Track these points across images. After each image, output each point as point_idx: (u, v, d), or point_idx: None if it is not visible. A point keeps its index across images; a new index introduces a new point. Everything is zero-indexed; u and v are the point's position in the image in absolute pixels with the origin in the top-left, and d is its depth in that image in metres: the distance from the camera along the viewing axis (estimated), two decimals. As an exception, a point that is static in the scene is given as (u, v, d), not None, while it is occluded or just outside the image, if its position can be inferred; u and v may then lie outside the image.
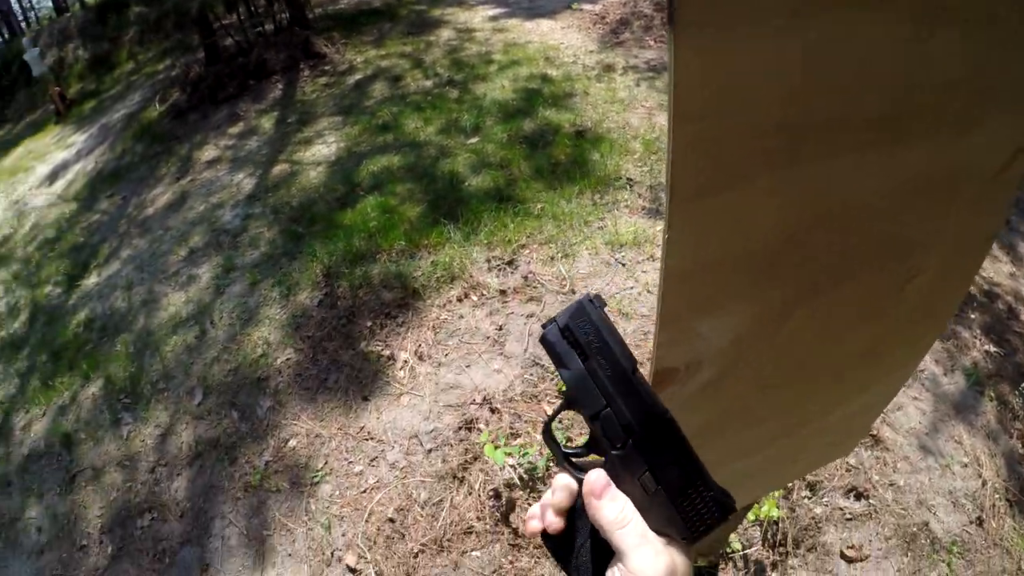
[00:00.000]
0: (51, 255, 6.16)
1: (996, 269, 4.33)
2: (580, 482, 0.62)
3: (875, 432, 3.05)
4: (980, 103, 0.90)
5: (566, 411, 0.65)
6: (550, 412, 3.02)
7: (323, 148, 6.27)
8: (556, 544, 0.65)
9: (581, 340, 0.62)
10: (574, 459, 0.66)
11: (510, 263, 4.02)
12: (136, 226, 5.96)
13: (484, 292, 3.84)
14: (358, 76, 8.06)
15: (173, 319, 4.43)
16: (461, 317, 3.72)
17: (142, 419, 3.78)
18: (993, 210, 1.12)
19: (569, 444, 0.54)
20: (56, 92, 10.97)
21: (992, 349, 3.62)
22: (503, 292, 3.81)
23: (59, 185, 7.83)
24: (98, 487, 3.53)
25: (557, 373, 0.62)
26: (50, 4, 20.79)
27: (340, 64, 8.56)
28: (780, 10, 0.64)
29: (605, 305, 0.63)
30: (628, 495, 0.60)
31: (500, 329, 3.58)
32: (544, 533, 0.65)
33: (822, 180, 0.82)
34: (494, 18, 9.45)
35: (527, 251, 4.10)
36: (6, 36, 18.87)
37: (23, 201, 7.89)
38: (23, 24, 20.26)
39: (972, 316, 3.81)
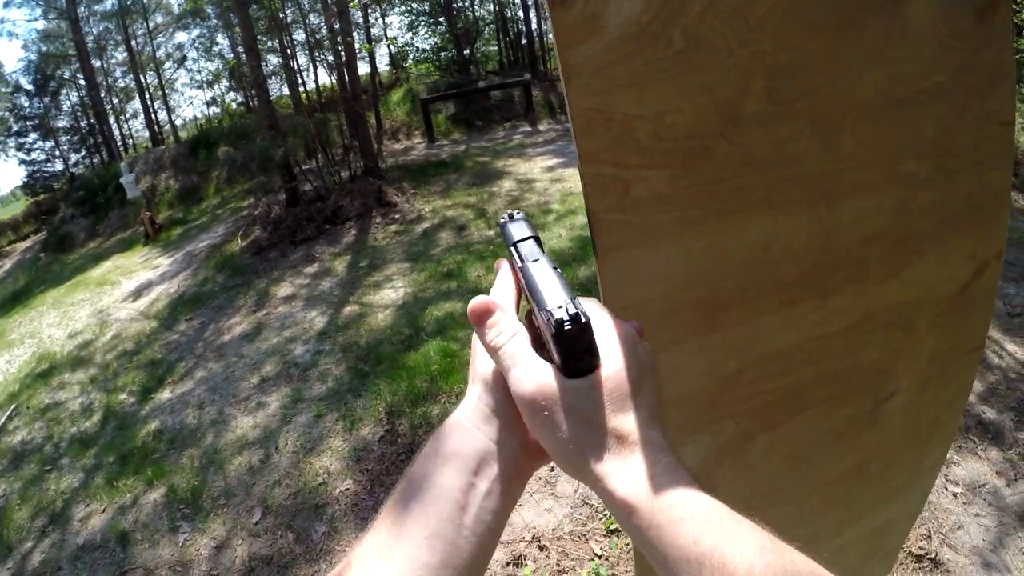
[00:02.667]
0: (128, 366, 6.53)
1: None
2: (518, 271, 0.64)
3: (933, 555, 2.98)
4: (907, 246, 1.00)
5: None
6: (596, 550, 3.18)
7: (391, 292, 6.70)
8: None
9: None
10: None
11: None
12: (212, 350, 6.34)
13: None
14: (426, 225, 8.61)
15: (240, 441, 4.68)
16: None
17: (199, 530, 3.94)
18: (968, 326, 1.16)
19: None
20: (147, 216, 11.80)
21: (1057, 452, 3.47)
22: (558, 436, 4.00)
23: (142, 302, 8.35)
24: (148, 588, 3.64)
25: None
26: (147, 134, 22.49)
27: (409, 213, 9.15)
28: (668, 230, 0.81)
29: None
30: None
31: (552, 470, 3.72)
32: None
33: (749, 336, 0.92)
34: (551, 168, 10.09)
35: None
36: (105, 159, 20.35)
37: (107, 312, 8.41)
38: (122, 149, 21.78)
39: None
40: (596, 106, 0.73)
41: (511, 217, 0.68)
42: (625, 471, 0.52)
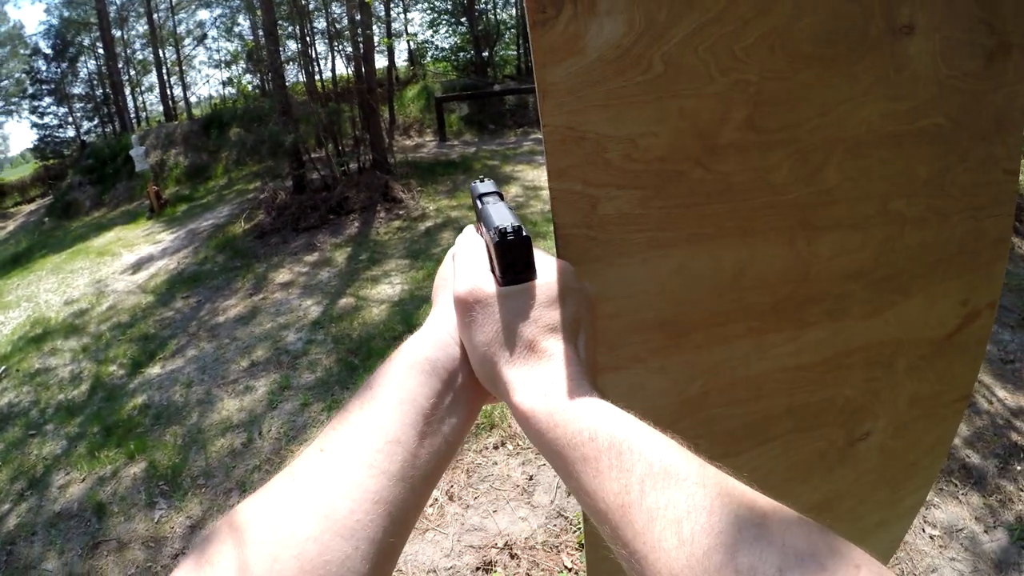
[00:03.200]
0: (121, 338, 6.56)
1: (1050, 414, 4.18)
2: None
3: (907, 600, 2.90)
4: (892, 285, 0.97)
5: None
6: (567, 563, 3.16)
7: (388, 288, 6.73)
8: None
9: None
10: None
11: (548, 417, 4.24)
12: (205, 330, 6.37)
13: (520, 443, 4.04)
14: (429, 223, 8.65)
15: (224, 423, 4.69)
16: (495, 464, 3.90)
17: (176, 507, 3.93)
18: (954, 373, 1.12)
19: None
20: (153, 190, 11.86)
21: (1040, 500, 3.46)
22: (538, 444, 4.00)
23: (141, 276, 8.39)
24: (119, 559, 3.62)
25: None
26: (160, 109, 22.51)
27: (414, 210, 9.18)
28: (635, 249, 0.80)
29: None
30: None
31: (530, 479, 3.74)
32: None
33: (716, 361, 0.90)
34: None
35: (564, 409, 4.32)
36: (117, 129, 20.32)
37: (104, 282, 8.45)
38: (134, 121, 21.78)
39: (1018, 468, 3.71)
40: (569, 124, 0.74)
41: (481, 180, 0.75)
42: (530, 380, 0.54)
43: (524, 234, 0.58)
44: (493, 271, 0.60)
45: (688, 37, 0.75)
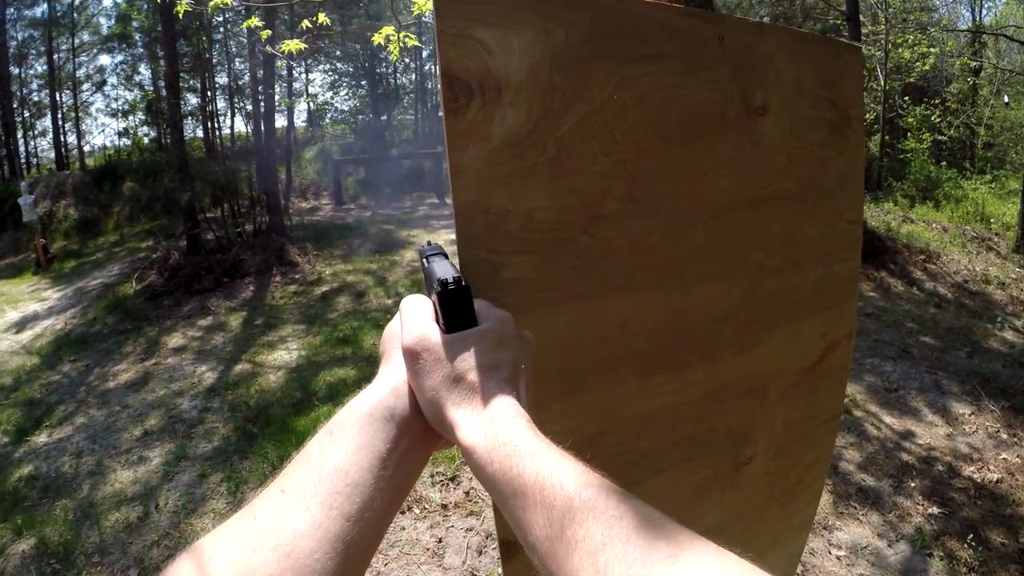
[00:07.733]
0: (5, 403, 6.28)
1: (932, 434, 4.66)
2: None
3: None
4: (757, 325, 1.08)
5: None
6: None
7: (285, 354, 6.80)
8: None
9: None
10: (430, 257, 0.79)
11: (453, 479, 4.34)
12: (95, 396, 6.20)
13: (427, 506, 4.11)
14: (325, 288, 8.76)
15: (118, 495, 4.55)
16: (403, 529, 3.94)
17: None
18: (822, 397, 1.23)
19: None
20: (41, 243, 11.43)
21: (936, 511, 3.80)
22: (445, 506, 4.08)
23: (26, 336, 8.10)
24: (9, 646, 3.43)
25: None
26: (52, 155, 21.52)
27: (310, 274, 9.28)
28: (533, 308, 0.87)
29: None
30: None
31: (440, 542, 3.80)
32: None
33: (608, 403, 0.97)
34: (454, 241, 10.77)
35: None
36: (6, 175, 19.18)
37: (-15, 342, 8.07)
38: (24, 167, 20.76)
39: (911, 484, 4.03)
40: (476, 199, 0.81)
41: (428, 244, 0.83)
42: (473, 420, 0.58)
43: (463, 284, 0.64)
44: (438, 321, 0.65)
45: (577, 124, 0.87)
